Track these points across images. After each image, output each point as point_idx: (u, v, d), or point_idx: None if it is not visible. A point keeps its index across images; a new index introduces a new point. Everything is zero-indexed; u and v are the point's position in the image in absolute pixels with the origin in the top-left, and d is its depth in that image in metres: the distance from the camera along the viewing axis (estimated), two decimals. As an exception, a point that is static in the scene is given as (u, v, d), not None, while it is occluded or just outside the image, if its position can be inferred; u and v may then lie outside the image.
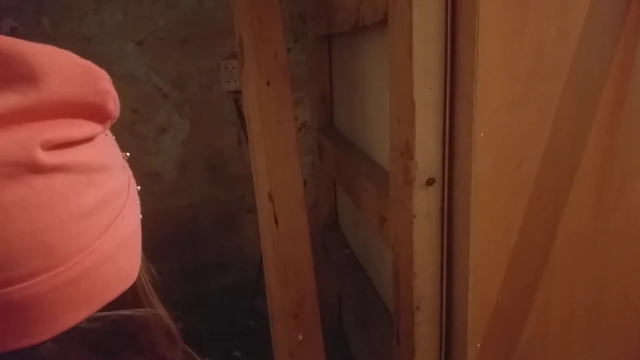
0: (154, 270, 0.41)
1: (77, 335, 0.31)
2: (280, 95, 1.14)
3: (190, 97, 1.65)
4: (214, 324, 1.77)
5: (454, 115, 0.72)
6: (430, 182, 0.76)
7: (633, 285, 0.83)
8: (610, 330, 0.85)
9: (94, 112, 0.33)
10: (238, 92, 1.60)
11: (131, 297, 0.36)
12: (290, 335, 1.15)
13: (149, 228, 0.40)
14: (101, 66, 0.33)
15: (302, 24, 1.65)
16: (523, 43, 0.66)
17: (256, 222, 1.20)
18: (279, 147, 1.14)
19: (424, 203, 0.77)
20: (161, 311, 0.39)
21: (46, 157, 0.28)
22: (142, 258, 0.38)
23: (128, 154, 0.39)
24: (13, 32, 1.37)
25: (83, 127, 0.32)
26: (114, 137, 0.38)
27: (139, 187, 0.39)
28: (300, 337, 1.14)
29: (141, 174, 0.40)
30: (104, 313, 0.32)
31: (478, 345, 0.77)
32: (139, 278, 0.37)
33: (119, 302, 0.34)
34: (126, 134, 1.60)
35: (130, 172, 0.39)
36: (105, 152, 0.34)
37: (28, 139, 0.28)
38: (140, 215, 0.38)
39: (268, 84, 1.12)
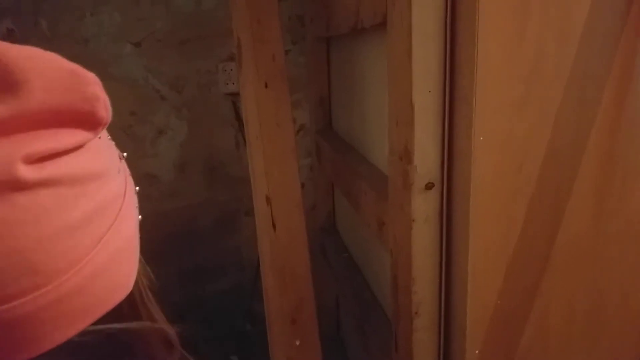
0: (151, 274, 0.40)
1: (69, 348, 0.30)
2: (278, 97, 1.14)
3: (188, 99, 1.64)
4: (212, 327, 1.76)
5: (454, 118, 0.71)
6: (429, 186, 0.75)
7: (633, 289, 0.83)
8: (610, 334, 0.84)
9: (82, 120, 0.30)
10: (236, 94, 1.60)
11: (128, 305, 0.35)
12: (287, 341, 1.14)
13: (147, 230, 0.39)
14: (99, 68, 0.32)
15: (300, 25, 1.65)
16: (523, 45, 0.65)
17: (254, 224, 1.20)
18: (277, 149, 1.14)
19: (423, 207, 0.76)
20: (159, 317, 0.38)
21: (29, 172, 0.26)
22: (140, 261, 0.37)
23: (125, 154, 0.38)
24: (9, 34, 1.36)
25: (70, 137, 0.29)
26: (109, 136, 0.36)
27: (137, 188, 0.38)
28: (298, 343, 1.14)
29: (139, 176, 0.39)
30: (98, 327, 0.31)
31: (477, 351, 0.76)
32: (136, 284, 0.36)
33: (116, 311, 0.32)
34: (123, 136, 1.59)
35: (127, 173, 0.37)
36: (96, 158, 0.32)
37: (8, 155, 0.26)
38: (140, 216, 0.37)
39: (266, 86, 1.12)
